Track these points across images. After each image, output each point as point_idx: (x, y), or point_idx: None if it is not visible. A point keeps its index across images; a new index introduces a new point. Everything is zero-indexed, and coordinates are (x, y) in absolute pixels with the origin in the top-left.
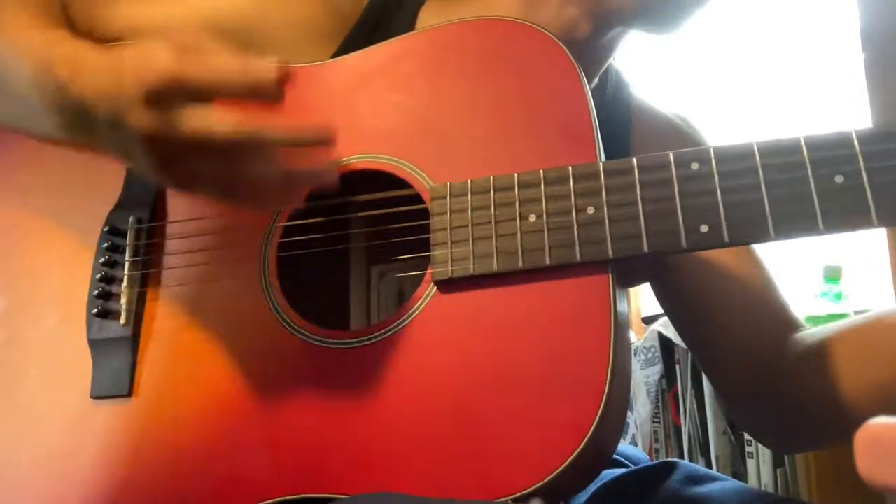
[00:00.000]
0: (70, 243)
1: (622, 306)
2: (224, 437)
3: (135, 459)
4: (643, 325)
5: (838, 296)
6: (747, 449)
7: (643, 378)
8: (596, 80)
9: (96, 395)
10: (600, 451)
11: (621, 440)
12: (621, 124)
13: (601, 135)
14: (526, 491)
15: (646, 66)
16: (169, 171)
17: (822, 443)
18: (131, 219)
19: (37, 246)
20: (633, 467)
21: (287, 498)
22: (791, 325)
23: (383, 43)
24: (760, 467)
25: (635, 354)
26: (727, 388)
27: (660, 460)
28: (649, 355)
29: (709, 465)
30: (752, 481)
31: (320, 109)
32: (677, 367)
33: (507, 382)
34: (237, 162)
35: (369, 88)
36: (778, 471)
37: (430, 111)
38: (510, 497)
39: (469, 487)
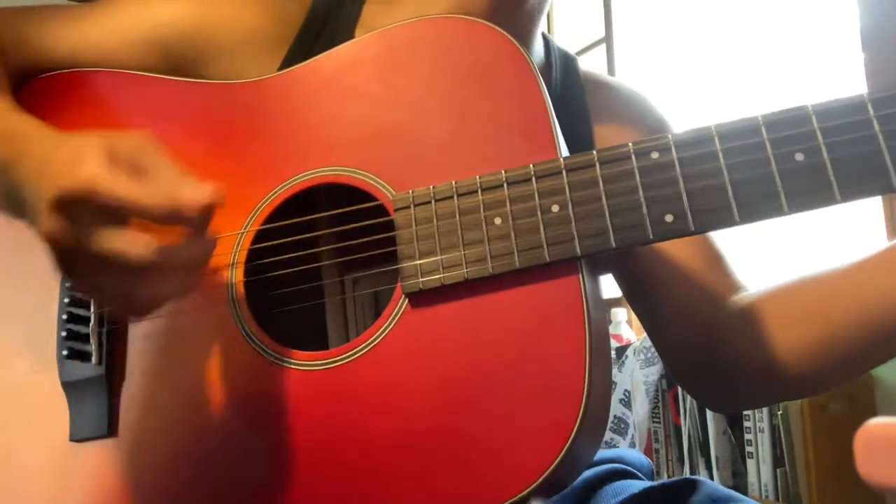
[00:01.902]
0: (33, 286)
1: (594, 294)
2: (209, 468)
3: (121, 498)
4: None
5: None
6: (747, 449)
7: (642, 378)
8: (540, 52)
9: (76, 439)
10: (585, 448)
11: (622, 440)
12: (576, 96)
13: (559, 112)
14: (517, 497)
15: (649, 64)
16: (74, 278)
17: (762, 401)
18: None
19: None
20: (643, 478)
21: None
22: (732, 284)
23: (333, 50)
24: (760, 467)
25: (634, 354)
26: (669, 350)
27: (682, 477)
28: (649, 355)
29: (709, 465)
30: (752, 481)
31: (276, 125)
32: None
33: (486, 391)
34: (140, 282)
35: (325, 99)
36: (778, 470)
37: (387, 119)
38: None
39: (459, 499)
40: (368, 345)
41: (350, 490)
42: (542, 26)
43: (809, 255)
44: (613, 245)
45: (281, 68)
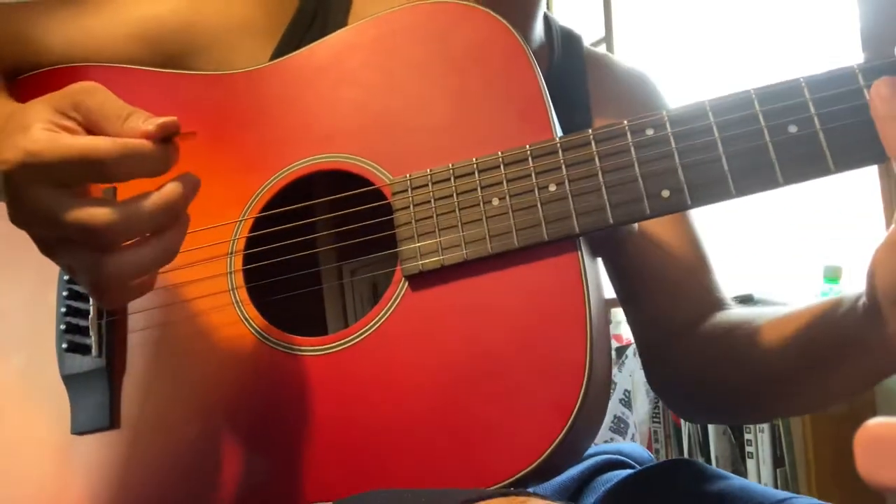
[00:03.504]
0: (31, 279)
1: (593, 274)
2: (213, 455)
3: (125, 491)
4: None
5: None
6: (747, 449)
7: (642, 378)
8: (540, 34)
9: (77, 432)
10: (587, 428)
11: (622, 440)
12: (577, 78)
13: (558, 91)
14: (518, 475)
15: (649, 64)
16: (54, 259)
17: (724, 418)
18: None
19: None
20: (639, 467)
21: None
22: (713, 304)
23: (328, 38)
24: (760, 467)
25: (635, 354)
26: (645, 350)
27: (669, 459)
28: None
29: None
30: (752, 481)
31: (272, 114)
32: None
33: (488, 369)
34: (108, 257)
35: (320, 86)
36: (778, 471)
37: (382, 104)
38: (503, 483)
39: (462, 478)
40: (370, 328)
41: (354, 469)
42: (542, 8)
43: (809, 255)
44: (611, 221)
45: (272, 59)
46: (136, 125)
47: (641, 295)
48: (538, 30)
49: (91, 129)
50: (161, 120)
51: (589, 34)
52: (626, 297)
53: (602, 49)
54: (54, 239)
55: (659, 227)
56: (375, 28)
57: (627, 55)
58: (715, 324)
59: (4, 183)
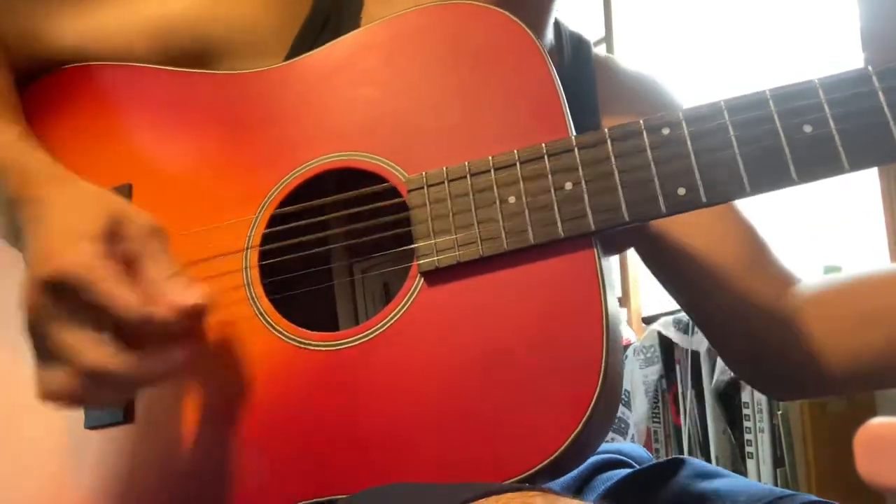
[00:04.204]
0: None
1: (607, 273)
2: (228, 450)
3: (140, 485)
4: (643, 324)
5: None
6: (747, 449)
7: (642, 378)
8: (550, 38)
9: (91, 426)
10: (602, 424)
11: (622, 440)
12: (585, 82)
13: (567, 96)
14: (532, 470)
15: (649, 64)
16: (33, 344)
17: (819, 393)
18: None
19: (11, 281)
20: (638, 467)
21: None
22: (782, 281)
23: (341, 39)
24: (760, 467)
25: (634, 354)
26: (725, 349)
27: (667, 458)
28: (649, 355)
29: None
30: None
31: (286, 113)
32: (677, 366)
33: (504, 365)
34: (81, 384)
35: (334, 86)
36: (778, 470)
37: (398, 103)
38: (518, 477)
39: (475, 473)
40: (386, 323)
41: (369, 464)
42: (555, 11)
43: (809, 255)
44: (627, 219)
45: (286, 60)
46: (169, 294)
47: (704, 297)
48: (549, 33)
49: (130, 264)
50: (193, 301)
51: (589, 34)
52: (689, 301)
53: (602, 49)
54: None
55: (709, 218)
56: (389, 29)
57: (627, 55)
58: (811, 301)
59: (29, 274)
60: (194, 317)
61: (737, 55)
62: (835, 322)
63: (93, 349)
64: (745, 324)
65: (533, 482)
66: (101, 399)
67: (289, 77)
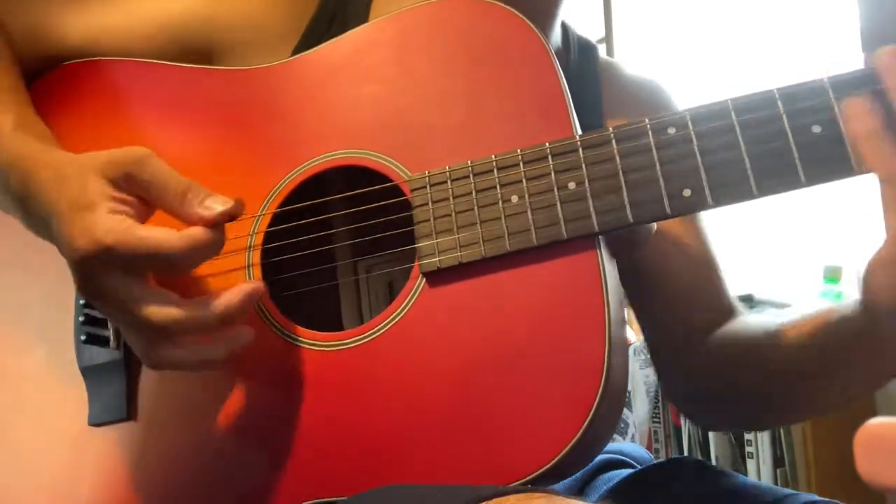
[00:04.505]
0: (50, 272)
1: (612, 276)
2: (229, 448)
3: (141, 482)
4: None
5: (838, 295)
6: (747, 449)
7: (642, 378)
8: (558, 39)
9: (94, 423)
10: (605, 426)
11: (622, 440)
12: (590, 85)
13: (573, 97)
14: (534, 474)
15: (649, 64)
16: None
17: (740, 423)
18: None
19: (16, 278)
20: (639, 467)
21: None
22: (727, 310)
23: (347, 34)
24: (760, 467)
25: (634, 354)
26: (660, 357)
27: (670, 458)
28: (649, 355)
29: None
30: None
31: (291, 109)
32: None
33: (506, 368)
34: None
35: (339, 83)
36: (778, 471)
37: (402, 101)
38: (520, 481)
39: (478, 475)
40: (387, 324)
41: (370, 465)
42: (563, 11)
43: (809, 255)
44: (631, 220)
45: (292, 56)
46: (196, 210)
47: (657, 299)
48: (556, 34)
49: (150, 203)
50: (221, 208)
51: (589, 34)
52: (641, 301)
53: (602, 49)
54: (120, 320)
55: (674, 229)
56: (395, 25)
57: (627, 55)
58: (734, 329)
59: (68, 261)
60: (234, 218)
61: (737, 55)
62: (741, 357)
63: (157, 309)
64: (680, 337)
65: (537, 484)
66: (203, 356)
67: (293, 73)
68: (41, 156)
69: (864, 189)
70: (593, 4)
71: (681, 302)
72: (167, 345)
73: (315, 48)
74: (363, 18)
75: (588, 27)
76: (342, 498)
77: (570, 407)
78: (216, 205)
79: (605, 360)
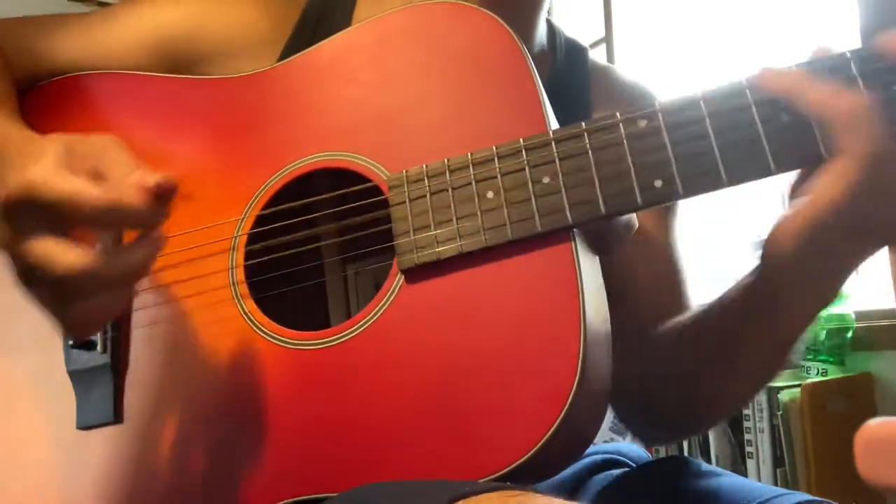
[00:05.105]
0: None
1: (591, 270)
2: (215, 450)
3: (130, 484)
4: None
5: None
6: (747, 449)
7: None
8: (542, 39)
9: (83, 426)
10: (584, 422)
11: (621, 440)
12: (578, 86)
13: (558, 98)
14: (511, 467)
15: (649, 64)
16: (26, 290)
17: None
18: None
19: (8, 284)
20: (636, 466)
21: (285, 503)
22: (673, 308)
23: (328, 40)
24: (760, 467)
25: None
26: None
27: (665, 456)
28: None
29: None
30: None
31: (273, 115)
32: None
33: (483, 362)
34: (70, 296)
35: (320, 87)
36: (778, 471)
37: (381, 103)
38: (498, 474)
39: (456, 470)
40: (366, 322)
41: (349, 462)
42: (544, 13)
43: None
44: (603, 212)
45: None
46: (133, 180)
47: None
48: (539, 34)
49: (96, 178)
50: (156, 179)
51: (589, 34)
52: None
53: (602, 49)
54: (30, 272)
55: (645, 225)
56: (374, 29)
57: (627, 56)
58: (662, 329)
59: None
60: (162, 197)
61: (737, 55)
62: (661, 351)
63: (64, 252)
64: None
65: (519, 480)
66: (90, 316)
67: (275, 80)
68: (21, 134)
69: None
70: (593, 4)
71: (638, 299)
72: (76, 304)
73: (297, 55)
74: (346, 25)
75: (588, 27)
76: (322, 496)
77: (545, 401)
78: (154, 178)
79: (581, 352)
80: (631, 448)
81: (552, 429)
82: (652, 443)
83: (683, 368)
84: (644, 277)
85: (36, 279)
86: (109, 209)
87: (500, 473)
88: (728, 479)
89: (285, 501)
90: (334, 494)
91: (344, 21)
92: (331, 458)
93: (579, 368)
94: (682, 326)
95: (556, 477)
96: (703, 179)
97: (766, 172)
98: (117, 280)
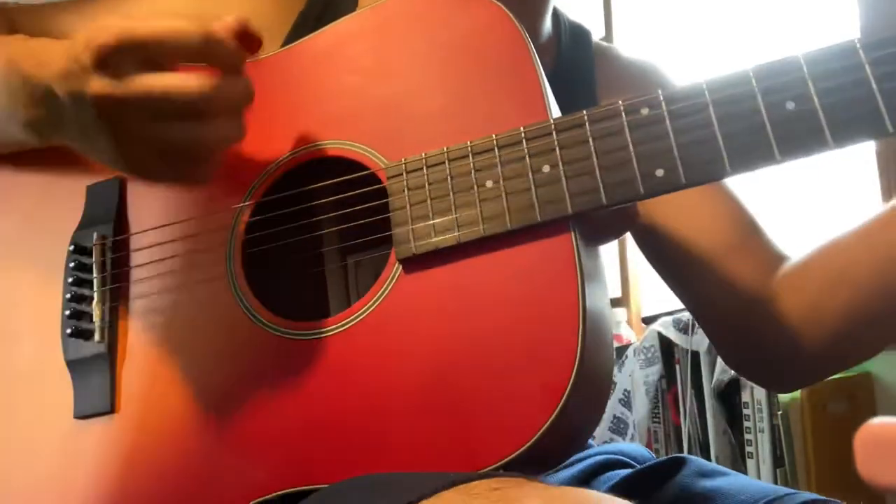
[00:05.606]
0: (39, 267)
1: (591, 262)
2: (211, 440)
3: (126, 473)
4: (643, 325)
5: None
6: (747, 449)
7: (642, 378)
8: (549, 27)
9: (80, 415)
10: (582, 414)
11: (622, 440)
12: (584, 70)
13: (565, 83)
14: (508, 458)
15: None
16: (127, 151)
17: (812, 376)
18: (95, 235)
19: (5, 274)
20: (640, 466)
21: (280, 493)
22: (770, 260)
23: (329, 26)
24: (760, 467)
25: (635, 354)
26: (715, 333)
27: (668, 456)
28: (649, 355)
29: None
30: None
31: (272, 103)
32: (677, 367)
33: (480, 352)
34: (192, 127)
35: (319, 75)
36: (778, 470)
37: (380, 90)
38: (494, 465)
39: (452, 461)
40: (364, 311)
41: (346, 452)
42: (551, 2)
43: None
44: (604, 202)
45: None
46: (219, 22)
47: (693, 280)
48: (546, 23)
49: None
50: (238, 19)
51: None
52: (679, 278)
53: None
54: (149, 119)
55: (697, 200)
56: (376, 16)
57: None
58: (788, 276)
59: (82, 71)
60: (245, 37)
61: (737, 54)
62: (802, 295)
63: (188, 78)
64: (731, 310)
65: (519, 472)
66: (219, 139)
67: (275, 67)
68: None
69: (863, 189)
70: (593, 4)
71: (725, 261)
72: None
73: (298, 41)
74: (353, 10)
75: (588, 27)
76: (314, 487)
77: (542, 391)
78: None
79: (579, 343)
80: (634, 448)
81: (550, 419)
82: (773, 388)
83: (856, 297)
84: (711, 232)
85: (163, 113)
86: (207, 41)
87: (499, 464)
88: (734, 479)
89: (280, 492)
90: (328, 485)
91: (351, 6)
92: (328, 448)
93: (577, 361)
94: (830, 249)
95: (559, 478)
96: (706, 168)
97: (772, 161)
98: (242, 99)
